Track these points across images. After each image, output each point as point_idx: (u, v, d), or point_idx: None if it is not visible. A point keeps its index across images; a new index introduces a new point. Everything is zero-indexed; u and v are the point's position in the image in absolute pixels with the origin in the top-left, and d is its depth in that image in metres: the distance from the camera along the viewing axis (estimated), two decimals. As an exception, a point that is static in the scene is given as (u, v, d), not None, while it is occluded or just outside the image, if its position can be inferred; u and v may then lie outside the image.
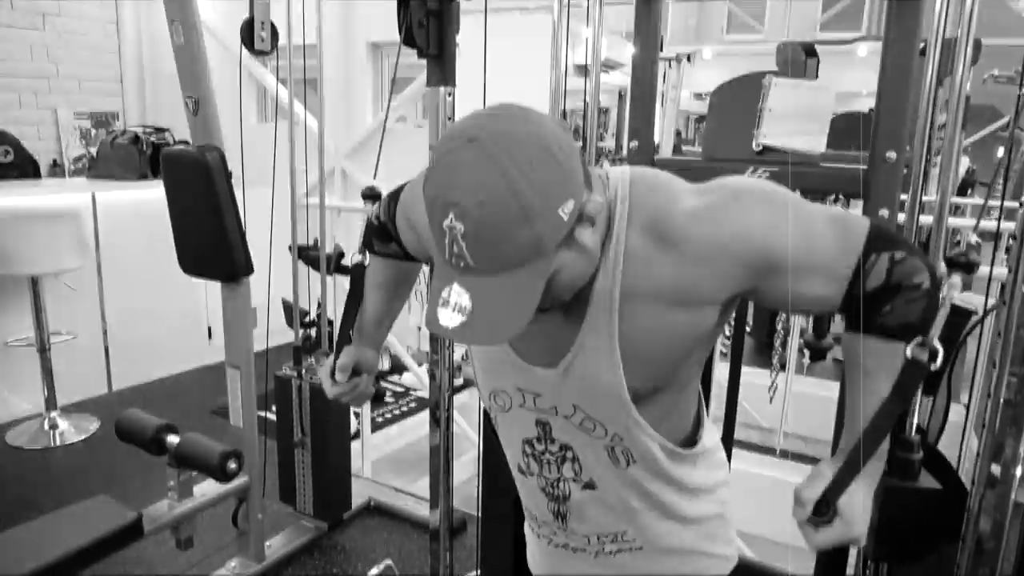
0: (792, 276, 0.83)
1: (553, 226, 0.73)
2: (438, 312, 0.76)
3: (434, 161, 0.75)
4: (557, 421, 0.97)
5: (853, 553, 1.58)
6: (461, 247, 0.72)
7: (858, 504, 0.84)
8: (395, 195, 1.15)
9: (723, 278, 0.83)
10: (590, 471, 0.98)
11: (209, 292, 4.23)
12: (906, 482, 1.24)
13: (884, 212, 1.35)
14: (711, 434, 1.09)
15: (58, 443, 3.38)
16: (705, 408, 1.09)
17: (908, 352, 0.82)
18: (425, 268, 1.30)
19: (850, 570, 1.62)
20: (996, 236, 1.55)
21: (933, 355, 0.81)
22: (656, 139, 1.71)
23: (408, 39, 1.56)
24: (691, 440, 1.02)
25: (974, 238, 0.99)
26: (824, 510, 0.83)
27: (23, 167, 4.22)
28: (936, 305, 0.83)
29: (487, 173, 0.70)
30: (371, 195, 1.22)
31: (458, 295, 0.74)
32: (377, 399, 1.22)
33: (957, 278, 0.85)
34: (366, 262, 1.21)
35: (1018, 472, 1.15)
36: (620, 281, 0.85)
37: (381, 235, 1.18)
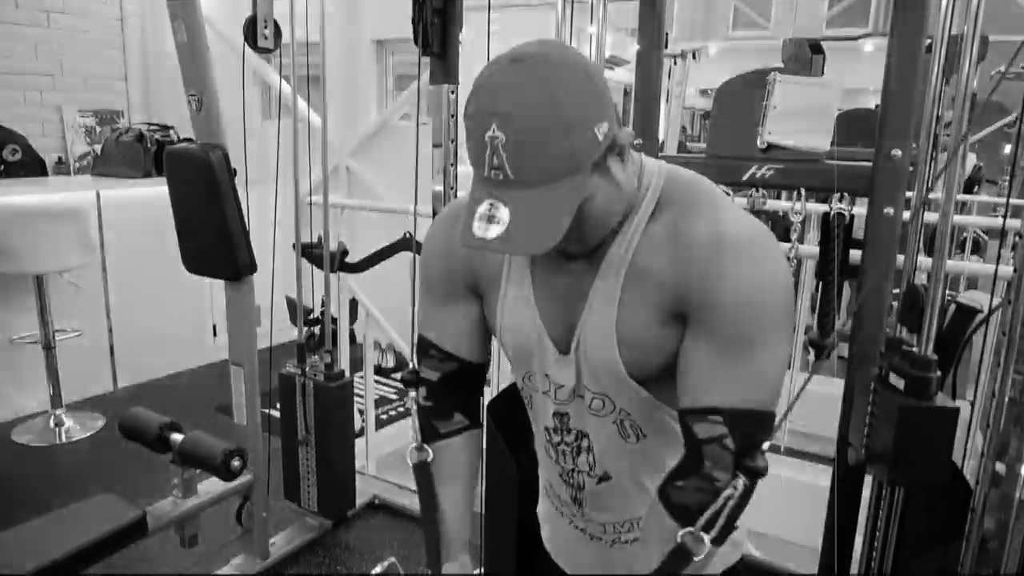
0: (703, 339, 0.83)
1: (589, 143, 0.76)
2: (475, 226, 0.77)
3: (478, 82, 0.78)
4: (573, 408, 0.99)
5: (857, 551, 1.57)
6: (502, 158, 0.74)
7: None
8: (422, 344, 1.08)
9: (682, 289, 0.84)
10: (603, 462, 1.00)
11: (213, 290, 4.24)
12: (922, 401, 1.20)
13: (889, 210, 1.35)
14: None
15: (63, 440, 3.40)
16: None
17: (679, 536, 0.83)
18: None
19: (855, 568, 1.61)
20: (1002, 233, 1.54)
21: (702, 548, 0.81)
22: (661, 136, 1.71)
23: (414, 36, 1.56)
24: None
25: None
26: None
27: (30, 165, 4.24)
28: (729, 514, 0.82)
29: (529, 87, 0.74)
30: (413, 380, 1.09)
31: (496, 208, 0.76)
32: None
33: (740, 481, 0.81)
34: (429, 458, 1.07)
35: (1022, 471, 1.15)
36: (630, 257, 0.88)
37: (438, 412, 1.09)
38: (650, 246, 0.87)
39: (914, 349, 1.25)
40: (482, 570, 1.70)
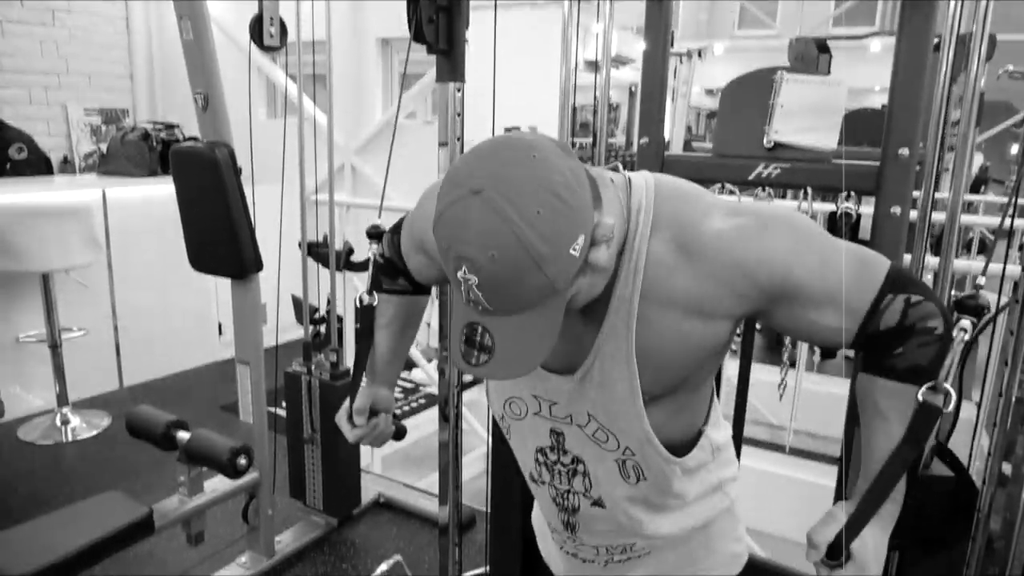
0: (808, 306, 0.84)
1: (565, 266, 0.74)
2: (463, 350, 0.78)
3: (441, 210, 0.75)
4: (571, 431, 0.97)
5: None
6: (477, 295, 0.73)
7: (870, 548, 0.84)
8: (396, 228, 1.17)
9: (740, 298, 0.84)
10: (599, 488, 0.99)
11: (219, 288, 4.25)
12: (918, 470, 1.21)
13: (896, 209, 1.34)
14: (723, 431, 1.09)
15: (70, 439, 3.41)
16: (718, 403, 1.09)
17: (920, 396, 0.83)
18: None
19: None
20: (1009, 233, 1.54)
21: (947, 399, 0.82)
22: (667, 135, 1.71)
23: (418, 35, 1.56)
24: (699, 433, 1.02)
25: (982, 279, 0.98)
26: (836, 554, 0.84)
27: (36, 164, 4.25)
28: (947, 350, 0.84)
29: (494, 228, 0.70)
30: (376, 234, 1.22)
31: (479, 334, 0.77)
32: (397, 436, 1.20)
33: (966, 321, 0.85)
34: (374, 302, 1.20)
35: (1031, 471, 1.14)
36: (640, 290, 0.86)
37: (388, 272, 1.20)
38: (661, 268, 0.85)
39: None
40: (488, 567, 1.70)
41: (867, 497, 0.85)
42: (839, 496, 1.53)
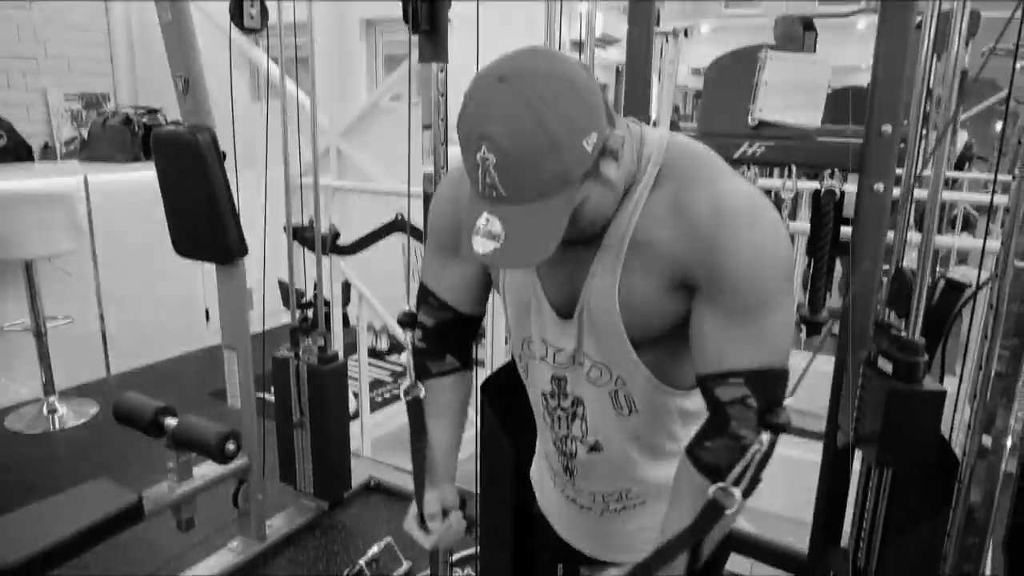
0: (714, 314, 0.86)
1: (578, 157, 0.77)
2: (474, 240, 0.80)
3: (466, 99, 0.79)
4: (572, 373, 1.01)
5: (847, 524, 1.59)
6: (493, 177, 0.76)
7: None
8: (423, 293, 1.13)
9: (692, 267, 0.86)
10: (596, 430, 1.02)
11: (206, 274, 4.22)
12: (910, 385, 1.23)
13: (879, 186, 1.35)
14: None
15: (57, 427, 3.40)
16: None
17: (710, 492, 0.86)
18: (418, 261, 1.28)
19: (845, 540, 1.64)
20: (990, 209, 1.55)
21: (732, 501, 0.85)
22: (653, 115, 1.70)
23: (404, 14, 1.55)
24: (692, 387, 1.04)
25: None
26: None
27: (16, 150, 4.19)
28: (756, 469, 0.86)
29: (516, 107, 0.74)
30: (408, 322, 1.14)
31: (491, 223, 0.79)
32: (469, 529, 1.15)
33: (766, 436, 0.85)
34: (421, 394, 1.13)
35: (1008, 443, 1.16)
36: (632, 232, 0.89)
37: (432, 353, 1.15)
38: (652, 219, 0.88)
39: (902, 333, 1.27)
40: (478, 548, 1.71)
41: (636, 569, 0.90)
42: (824, 472, 1.56)
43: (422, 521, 1.11)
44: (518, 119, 0.74)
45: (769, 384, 0.87)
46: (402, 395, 1.13)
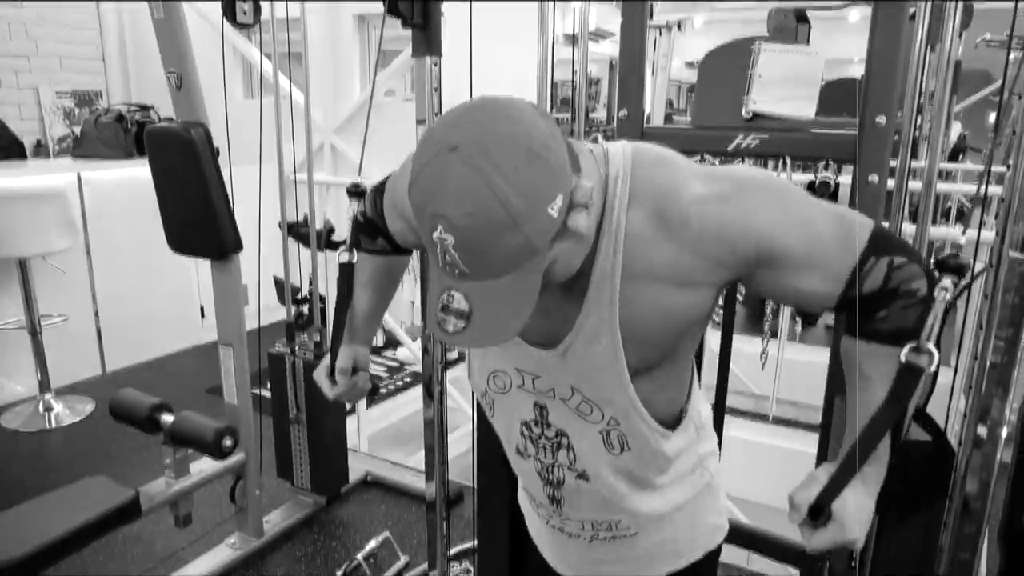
0: (789, 271, 0.83)
1: (543, 226, 0.72)
2: (439, 317, 0.76)
3: (417, 171, 0.73)
4: (554, 404, 0.97)
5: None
6: (454, 256, 0.71)
7: (852, 508, 0.84)
8: (379, 189, 1.15)
9: (722, 266, 0.83)
10: (584, 462, 0.99)
11: (200, 271, 4.21)
12: (901, 431, 1.24)
13: (874, 177, 1.35)
14: (704, 407, 1.10)
15: (53, 425, 3.39)
16: (698, 379, 1.09)
17: (903, 357, 0.82)
18: (415, 255, 1.31)
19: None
20: (984, 200, 1.56)
21: (930, 359, 0.82)
22: (647, 109, 1.70)
23: (392, 8, 1.54)
24: (682, 411, 1.03)
25: (963, 239, 0.99)
26: (818, 514, 0.84)
27: (9, 148, 4.17)
28: (929, 310, 0.84)
29: (471, 184, 0.69)
30: (356, 191, 1.19)
31: (456, 301, 0.74)
32: (372, 393, 1.23)
33: (948, 281, 0.85)
34: (354, 260, 1.20)
35: (1004, 433, 1.17)
36: (621, 264, 0.85)
37: (368, 231, 1.19)
38: (640, 242, 0.84)
39: None
40: (476, 542, 1.72)
41: (849, 457, 0.84)
42: (821, 462, 1.56)
43: (332, 373, 1.17)
44: (474, 197, 0.68)
45: (889, 239, 0.84)
46: (337, 258, 1.21)
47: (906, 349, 0.82)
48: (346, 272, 1.20)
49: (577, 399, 0.94)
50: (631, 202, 0.84)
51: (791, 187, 0.86)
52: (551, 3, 1.71)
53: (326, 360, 1.18)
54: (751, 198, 0.82)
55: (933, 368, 0.81)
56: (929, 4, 1.33)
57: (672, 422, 1.00)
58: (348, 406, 3.01)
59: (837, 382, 1.45)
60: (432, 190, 0.71)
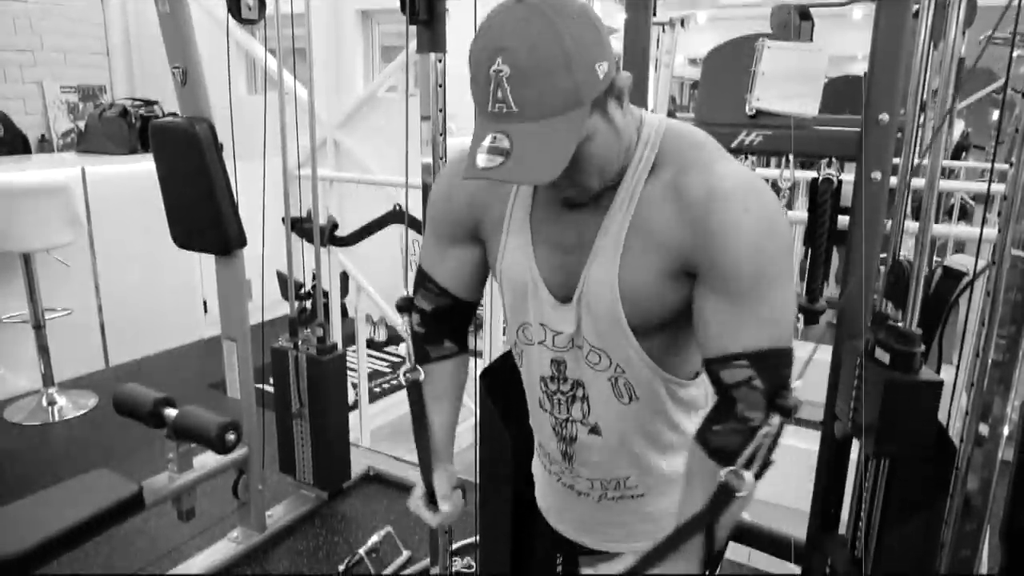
0: (718, 296, 0.86)
1: (590, 78, 0.77)
2: (478, 158, 0.78)
3: (484, 23, 0.79)
4: (571, 356, 1.01)
5: (845, 512, 1.60)
6: (505, 91, 0.76)
7: None
8: (420, 277, 1.14)
9: (691, 249, 0.86)
10: (596, 413, 1.02)
11: (204, 266, 4.22)
12: (907, 376, 1.24)
13: (876, 174, 1.35)
14: None
15: (56, 419, 3.40)
16: None
17: (722, 475, 0.86)
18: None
19: (843, 528, 1.65)
20: (987, 199, 1.56)
21: (745, 485, 0.85)
22: (650, 105, 1.70)
23: (401, 3, 1.54)
24: (698, 373, 1.05)
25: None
26: None
27: (13, 143, 4.19)
28: (767, 451, 0.87)
29: (534, 22, 0.75)
30: (406, 307, 1.16)
31: (498, 140, 0.77)
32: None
33: (776, 419, 0.86)
34: (421, 377, 1.15)
35: (1005, 431, 1.17)
36: (630, 220, 0.90)
37: (431, 338, 1.16)
38: (650, 202, 0.89)
39: (899, 324, 1.27)
40: (478, 537, 1.72)
41: (655, 549, 0.89)
42: (822, 460, 1.56)
43: (431, 501, 1.12)
44: (535, 33, 0.75)
45: (774, 364, 0.87)
46: (402, 378, 1.16)
47: (726, 469, 0.86)
48: (416, 392, 1.15)
49: (587, 348, 0.98)
50: (654, 168, 0.89)
51: (786, 243, 0.88)
52: None
53: (419, 488, 1.13)
54: (750, 217, 0.84)
55: (744, 494, 0.85)
56: (932, 1, 1.33)
57: (686, 379, 1.03)
58: (351, 400, 3.02)
59: (837, 381, 1.46)
60: (498, 29, 0.77)
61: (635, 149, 0.90)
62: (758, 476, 0.86)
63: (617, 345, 0.96)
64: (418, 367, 1.15)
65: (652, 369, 0.97)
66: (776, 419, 0.86)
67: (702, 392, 1.06)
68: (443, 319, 1.15)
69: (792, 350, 0.89)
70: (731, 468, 0.86)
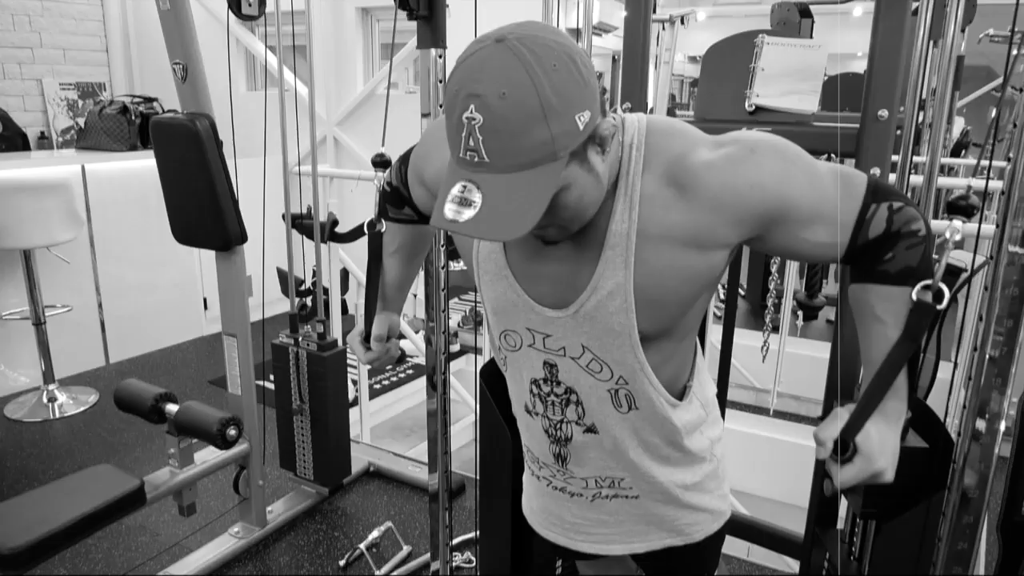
0: (800, 225, 0.87)
1: (568, 130, 0.74)
2: (446, 208, 0.75)
3: (460, 60, 0.76)
4: (564, 362, 1.00)
5: (843, 508, 1.61)
6: (478, 140, 0.73)
7: (876, 440, 0.86)
8: (404, 158, 1.16)
9: (736, 224, 0.86)
10: (592, 415, 1.02)
11: (204, 262, 4.22)
12: (917, 368, 1.25)
13: (875, 171, 1.36)
14: (709, 388, 1.12)
15: (57, 416, 3.40)
16: (702, 356, 1.12)
17: (913, 295, 0.86)
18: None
19: (841, 524, 1.66)
20: (984, 195, 1.57)
21: (938, 296, 0.86)
22: (650, 103, 1.70)
23: (403, 1, 1.55)
24: (686, 387, 1.05)
25: (973, 183, 1.01)
26: (843, 449, 0.86)
27: (12, 140, 4.19)
28: (932, 249, 0.88)
29: (511, 68, 0.72)
30: (381, 162, 1.22)
31: (469, 191, 0.75)
32: (400, 360, 1.28)
33: (958, 222, 0.90)
34: (382, 229, 1.24)
35: (1002, 426, 1.17)
36: (636, 226, 0.88)
37: (394, 200, 1.20)
38: (652, 200, 0.87)
39: None
40: (478, 533, 1.73)
41: (868, 393, 0.88)
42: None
43: (366, 339, 1.22)
44: (512, 80, 0.71)
45: (884, 187, 0.89)
46: (365, 228, 1.25)
47: (917, 287, 0.87)
48: (375, 241, 1.25)
49: (588, 357, 0.97)
50: (645, 167, 0.88)
51: (792, 145, 0.89)
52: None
53: (360, 326, 1.23)
54: (760, 157, 0.85)
55: (944, 305, 0.86)
56: (932, -1, 1.33)
57: (676, 396, 1.02)
58: (351, 396, 3.02)
59: (837, 378, 1.46)
60: (471, 72, 0.73)
61: (623, 153, 0.88)
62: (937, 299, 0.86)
63: (623, 357, 0.94)
64: (381, 219, 1.24)
65: (653, 385, 0.97)
66: (958, 222, 0.90)
67: (694, 417, 1.05)
68: (407, 200, 1.19)
69: (872, 176, 0.91)
70: (924, 283, 0.86)
